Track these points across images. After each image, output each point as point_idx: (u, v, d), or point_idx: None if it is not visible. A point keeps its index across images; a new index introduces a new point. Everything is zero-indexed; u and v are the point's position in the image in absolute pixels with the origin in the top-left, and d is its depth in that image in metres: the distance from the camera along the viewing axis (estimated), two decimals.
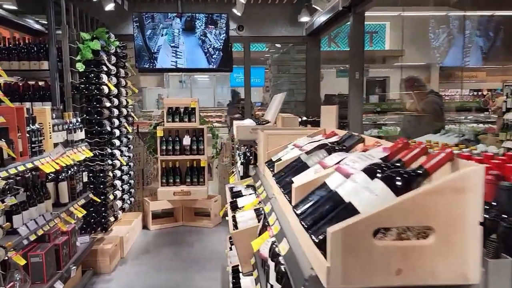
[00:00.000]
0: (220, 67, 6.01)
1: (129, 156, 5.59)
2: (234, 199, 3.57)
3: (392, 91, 13.73)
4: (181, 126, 5.98)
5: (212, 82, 22.25)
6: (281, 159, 1.97)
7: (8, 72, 4.25)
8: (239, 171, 5.28)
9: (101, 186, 4.44)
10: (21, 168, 2.76)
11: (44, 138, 3.30)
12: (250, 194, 4.01)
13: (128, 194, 5.49)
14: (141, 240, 5.52)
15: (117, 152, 4.79)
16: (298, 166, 1.68)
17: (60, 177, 3.57)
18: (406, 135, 5.19)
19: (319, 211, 1.10)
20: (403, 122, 5.87)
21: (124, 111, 5.28)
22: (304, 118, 5.51)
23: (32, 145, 3.06)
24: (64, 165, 3.37)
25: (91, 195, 4.15)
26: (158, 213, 6.18)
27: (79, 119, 4.13)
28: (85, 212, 3.81)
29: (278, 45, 7.23)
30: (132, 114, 5.75)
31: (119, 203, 4.98)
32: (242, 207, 3.39)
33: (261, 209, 2.88)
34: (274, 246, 1.82)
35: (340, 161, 1.40)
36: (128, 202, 5.47)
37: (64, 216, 3.44)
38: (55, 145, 3.47)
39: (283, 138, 2.28)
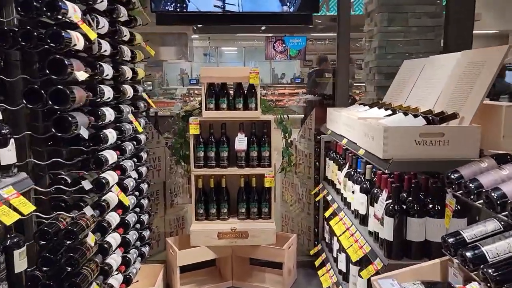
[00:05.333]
0: (300, 11, 3.33)
1: (140, 173, 3.03)
2: None
3: None
4: (230, 116, 3.38)
5: (241, 55, 19.51)
6: None
7: None
8: (361, 217, 2.58)
9: (69, 274, 1.89)
10: None
11: None
12: None
13: (136, 248, 2.96)
14: None
15: (109, 178, 2.22)
16: None
17: None
18: None
19: None
20: None
21: (129, 90, 2.69)
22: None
23: None
24: None
25: None
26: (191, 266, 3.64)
27: None
28: None
29: None
30: (146, 96, 3.14)
31: (114, 283, 2.43)
32: None
33: None
34: None
35: None
36: (136, 268, 2.92)
37: None
38: None
39: None
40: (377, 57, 4.06)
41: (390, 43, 4.01)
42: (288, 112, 4.95)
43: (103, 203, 2.22)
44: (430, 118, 2.01)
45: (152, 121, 4.41)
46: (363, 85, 4.88)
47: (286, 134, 3.73)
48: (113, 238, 2.37)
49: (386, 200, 2.06)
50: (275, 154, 3.51)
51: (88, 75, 1.88)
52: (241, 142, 3.38)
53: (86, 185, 1.93)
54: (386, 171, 1.93)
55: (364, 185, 2.43)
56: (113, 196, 2.31)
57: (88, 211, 1.91)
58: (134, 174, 2.79)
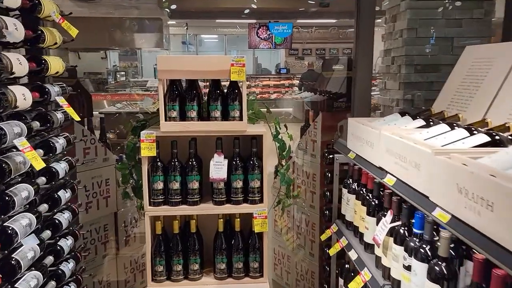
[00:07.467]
0: None
1: (57, 226, 1.90)
2: None
3: None
4: (203, 130, 2.26)
5: (223, 44, 18.23)
6: None
7: None
8: None
9: None
10: None
11: None
12: None
13: None
14: None
15: None
16: None
17: None
18: None
19: None
20: None
21: (21, 95, 1.55)
22: None
23: None
24: None
25: None
26: None
27: None
28: None
29: None
30: (64, 102, 1.97)
31: None
32: None
33: None
34: None
35: None
36: None
37: None
38: None
39: None
40: (405, 43, 2.98)
41: (423, 23, 2.93)
42: (272, 107, 3.85)
43: None
44: None
45: (97, 130, 3.25)
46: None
47: (284, 153, 2.62)
48: None
49: None
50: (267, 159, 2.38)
51: None
52: (218, 168, 2.27)
53: None
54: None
55: (437, 268, 1.36)
56: None
57: None
58: (34, 240, 1.65)
